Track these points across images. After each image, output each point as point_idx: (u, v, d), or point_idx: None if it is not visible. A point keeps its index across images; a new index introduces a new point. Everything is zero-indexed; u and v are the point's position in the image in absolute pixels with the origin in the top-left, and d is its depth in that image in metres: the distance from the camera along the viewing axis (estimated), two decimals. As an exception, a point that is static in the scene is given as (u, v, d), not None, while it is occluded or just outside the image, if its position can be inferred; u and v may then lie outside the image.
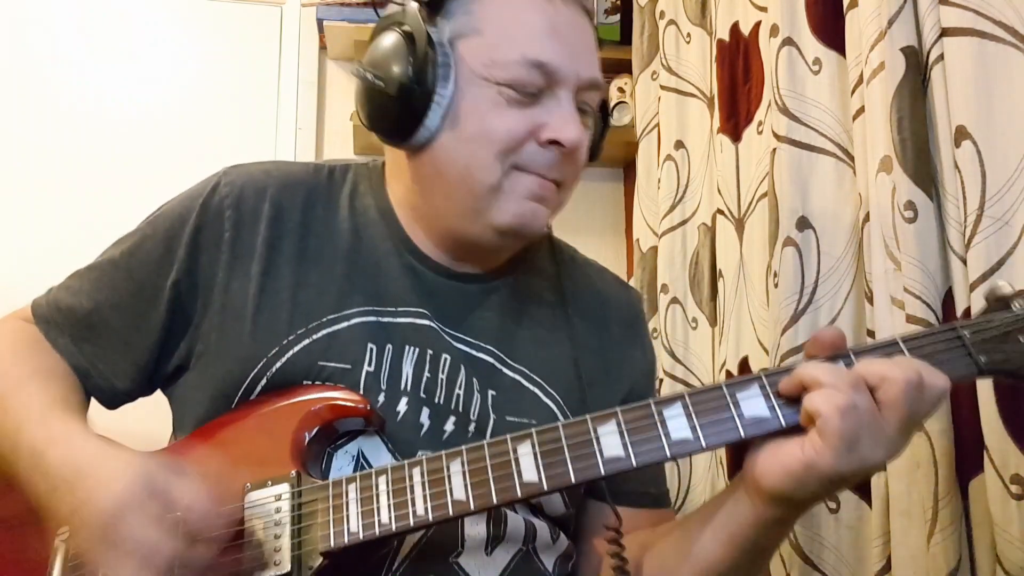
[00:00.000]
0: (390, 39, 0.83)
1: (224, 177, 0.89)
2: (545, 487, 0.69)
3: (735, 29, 1.55)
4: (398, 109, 0.82)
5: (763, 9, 1.44)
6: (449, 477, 0.71)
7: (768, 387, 0.68)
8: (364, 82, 0.84)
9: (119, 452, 0.72)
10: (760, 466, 0.68)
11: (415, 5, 0.84)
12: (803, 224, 1.23)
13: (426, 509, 0.71)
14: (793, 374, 0.67)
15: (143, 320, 0.86)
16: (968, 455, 0.95)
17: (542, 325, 0.93)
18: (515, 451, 0.71)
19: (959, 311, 0.97)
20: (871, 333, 1.08)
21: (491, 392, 0.86)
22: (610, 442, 0.69)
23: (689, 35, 1.75)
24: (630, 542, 0.85)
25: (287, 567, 0.72)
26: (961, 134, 0.95)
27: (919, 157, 1.02)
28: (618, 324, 0.99)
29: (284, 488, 0.75)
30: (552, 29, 0.83)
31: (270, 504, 0.75)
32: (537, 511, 0.87)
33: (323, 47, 2.21)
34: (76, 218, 2.00)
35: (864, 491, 1.09)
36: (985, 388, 0.91)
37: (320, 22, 2.10)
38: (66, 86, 2.08)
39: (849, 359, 0.68)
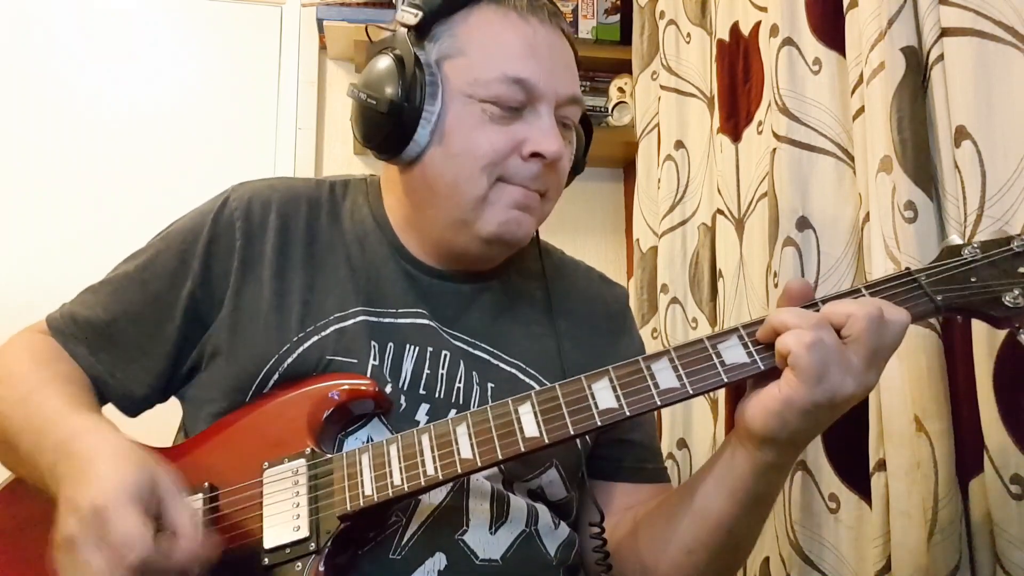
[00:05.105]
0: (382, 63, 0.89)
1: (232, 193, 0.96)
2: (546, 440, 0.74)
3: (735, 29, 1.55)
4: (390, 126, 0.88)
5: (763, 9, 1.44)
6: (456, 438, 0.76)
7: (745, 336, 0.75)
8: (358, 102, 0.90)
9: (131, 453, 0.74)
10: (747, 413, 0.75)
11: (404, 30, 0.89)
12: (803, 224, 1.23)
13: (435, 468, 0.76)
14: (765, 322, 0.74)
15: (160, 329, 0.91)
16: (968, 455, 0.95)
17: (534, 321, 0.98)
18: (516, 411, 0.76)
19: (959, 311, 0.97)
20: (871, 333, 1.08)
21: (490, 384, 0.91)
22: (604, 396, 0.75)
23: (689, 35, 1.75)
24: (630, 517, 0.92)
25: (306, 532, 0.76)
26: (961, 134, 0.95)
27: (919, 157, 1.02)
28: (605, 318, 1.05)
29: (300, 463, 0.80)
30: (530, 48, 0.89)
31: (288, 478, 0.79)
32: (538, 496, 0.91)
33: (323, 47, 2.21)
34: (77, 217, 2.00)
35: (864, 491, 1.09)
36: (985, 388, 0.91)
37: (320, 22, 2.11)
38: (66, 86, 2.08)
39: (817, 306, 0.74)
